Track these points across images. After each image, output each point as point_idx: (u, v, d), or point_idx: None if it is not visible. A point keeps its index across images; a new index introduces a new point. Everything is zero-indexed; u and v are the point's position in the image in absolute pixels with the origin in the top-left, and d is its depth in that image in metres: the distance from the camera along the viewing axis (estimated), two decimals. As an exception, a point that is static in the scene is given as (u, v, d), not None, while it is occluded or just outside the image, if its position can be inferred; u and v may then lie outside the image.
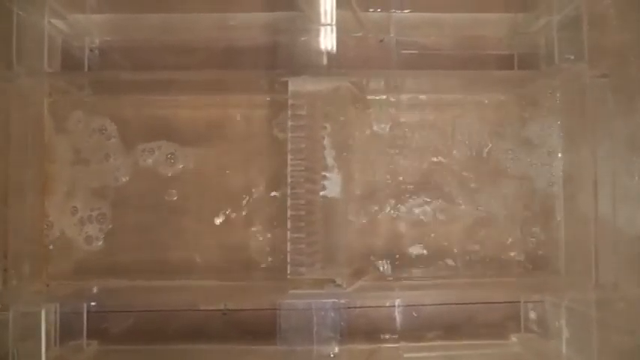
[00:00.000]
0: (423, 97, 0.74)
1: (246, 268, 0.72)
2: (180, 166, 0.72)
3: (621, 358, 0.63)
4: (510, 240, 0.73)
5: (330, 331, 0.64)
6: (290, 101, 0.64)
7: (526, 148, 0.74)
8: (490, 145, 0.74)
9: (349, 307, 0.71)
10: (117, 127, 0.72)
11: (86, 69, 0.73)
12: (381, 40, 0.73)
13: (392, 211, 0.73)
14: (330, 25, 0.65)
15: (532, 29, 0.72)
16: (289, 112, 0.64)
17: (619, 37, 0.66)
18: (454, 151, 0.74)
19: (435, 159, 0.74)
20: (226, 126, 0.73)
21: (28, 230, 0.67)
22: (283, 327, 0.64)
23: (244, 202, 0.72)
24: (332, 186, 0.64)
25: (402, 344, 0.71)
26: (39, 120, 0.70)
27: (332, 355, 0.64)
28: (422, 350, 0.72)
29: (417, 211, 0.73)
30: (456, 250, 0.73)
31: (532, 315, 0.73)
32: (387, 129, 0.74)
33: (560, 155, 0.72)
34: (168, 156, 0.72)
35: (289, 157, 0.64)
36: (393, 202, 0.73)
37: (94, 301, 0.71)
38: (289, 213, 0.63)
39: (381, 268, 0.72)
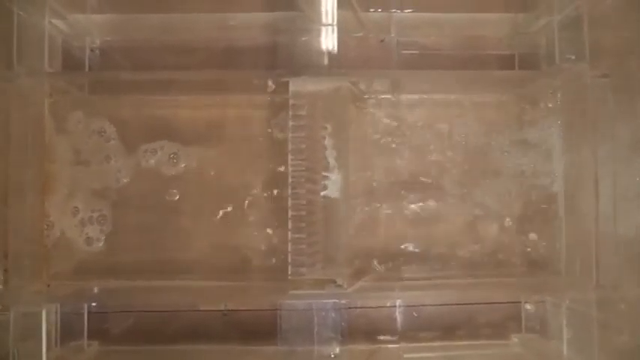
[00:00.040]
0: (423, 97, 0.74)
1: (246, 269, 0.72)
2: (183, 166, 0.72)
3: (622, 359, 0.63)
4: (511, 240, 0.73)
5: (331, 331, 0.64)
6: (291, 101, 0.64)
7: (526, 148, 0.74)
8: (490, 144, 0.74)
9: (350, 308, 0.71)
10: (116, 129, 0.72)
11: (86, 69, 0.73)
12: (382, 40, 0.73)
13: (392, 211, 0.73)
14: (331, 25, 0.65)
15: (532, 29, 0.72)
16: (290, 113, 0.64)
17: (619, 37, 0.66)
18: (455, 151, 0.74)
19: (435, 159, 0.74)
20: (226, 126, 0.73)
21: (28, 230, 0.67)
22: (284, 327, 0.64)
23: (244, 202, 0.72)
24: (333, 186, 0.64)
25: (403, 345, 0.71)
26: (39, 120, 0.70)
27: (333, 356, 0.64)
28: (422, 351, 0.72)
29: (418, 210, 0.73)
30: (456, 250, 0.73)
31: (532, 315, 0.73)
32: (388, 129, 0.74)
33: (560, 155, 0.72)
34: (171, 156, 0.72)
35: (290, 157, 0.64)
36: (393, 201, 0.73)
37: (94, 302, 0.71)
38: (290, 213, 0.63)
39: (382, 268, 0.72)
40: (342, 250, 0.64)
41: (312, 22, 0.65)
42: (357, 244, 0.71)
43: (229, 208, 0.72)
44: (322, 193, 0.64)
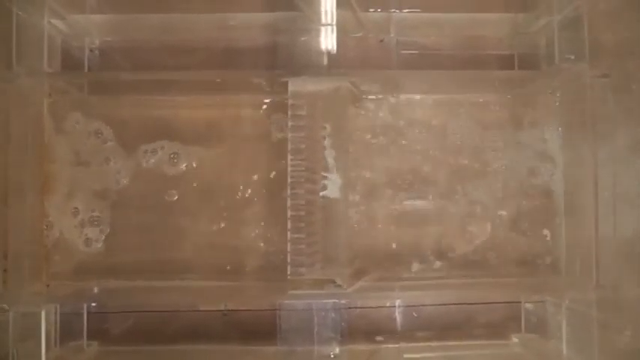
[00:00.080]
0: (423, 97, 0.74)
1: (246, 269, 0.72)
2: (184, 165, 0.72)
3: (622, 359, 0.63)
4: (511, 240, 0.73)
5: (331, 331, 0.64)
6: (290, 101, 0.64)
7: (527, 148, 0.74)
8: (491, 145, 0.74)
9: (349, 308, 0.71)
10: (112, 130, 0.72)
11: (86, 69, 0.73)
12: (381, 40, 0.73)
13: (392, 211, 0.73)
14: (330, 25, 0.65)
15: (532, 29, 0.72)
16: (289, 113, 0.64)
17: (619, 37, 0.66)
18: (455, 151, 0.74)
19: (435, 159, 0.74)
20: (226, 126, 0.73)
21: (27, 231, 0.67)
22: (284, 327, 0.64)
23: (244, 202, 0.72)
24: (332, 186, 0.64)
25: (402, 345, 0.71)
26: (39, 120, 0.70)
27: (332, 356, 0.64)
28: (422, 351, 0.72)
29: (418, 210, 0.73)
30: (456, 250, 0.73)
31: (532, 315, 0.73)
32: (388, 129, 0.74)
33: (560, 155, 0.72)
34: (172, 156, 0.72)
35: (289, 157, 0.64)
36: (393, 201, 0.73)
37: (94, 302, 0.71)
38: (289, 213, 0.63)
39: (383, 268, 0.72)
40: (341, 250, 0.64)
41: (311, 22, 0.65)
42: (356, 243, 0.71)
43: (228, 208, 0.72)
44: (321, 193, 0.64)
